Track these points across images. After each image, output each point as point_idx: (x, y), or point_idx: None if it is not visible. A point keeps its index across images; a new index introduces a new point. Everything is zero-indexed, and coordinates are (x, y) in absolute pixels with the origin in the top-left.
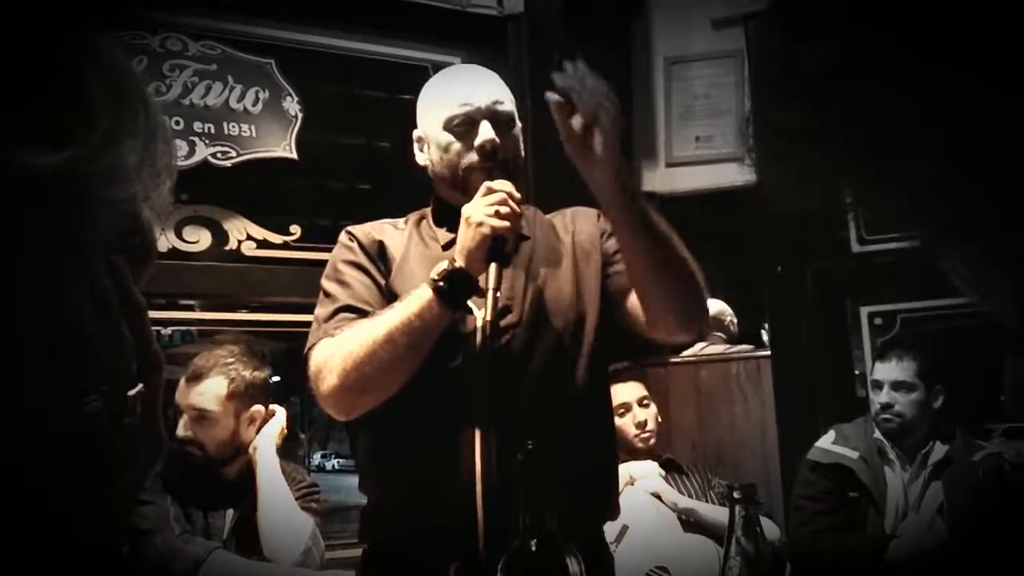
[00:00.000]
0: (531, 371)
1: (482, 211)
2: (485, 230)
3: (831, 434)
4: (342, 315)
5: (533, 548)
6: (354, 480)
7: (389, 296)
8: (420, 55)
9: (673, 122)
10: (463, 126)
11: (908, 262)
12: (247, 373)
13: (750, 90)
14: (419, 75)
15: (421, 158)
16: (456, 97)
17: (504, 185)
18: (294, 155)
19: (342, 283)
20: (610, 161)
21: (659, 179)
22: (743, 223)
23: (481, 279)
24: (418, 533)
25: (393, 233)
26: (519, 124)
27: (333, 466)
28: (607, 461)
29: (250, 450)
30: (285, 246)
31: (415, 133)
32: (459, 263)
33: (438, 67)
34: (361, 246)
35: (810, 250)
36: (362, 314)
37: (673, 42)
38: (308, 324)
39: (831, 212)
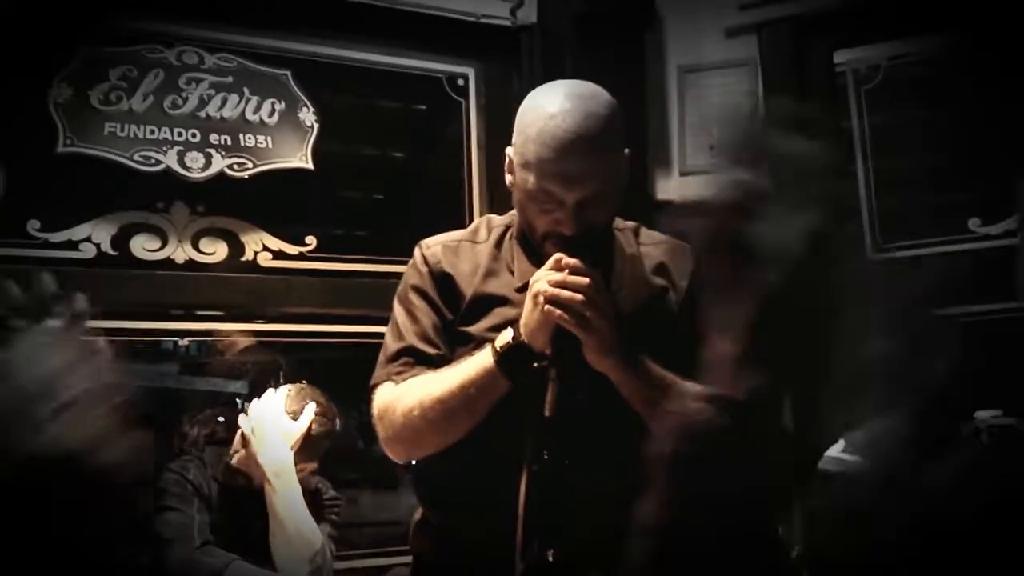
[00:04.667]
0: (581, 409)
1: (546, 290)
2: (551, 316)
3: (840, 443)
4: (406, 359)
5: (550, 558)
6: (370, 495)
7: (455, 335)
8: (434, 66)
9: (687, 131)
10: (548, 204)
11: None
12: (315, 432)
13: (765, 100)
14: (433, 86)
15: (508, 178)
16: (549, 180)
17: (573, 263)
18: (310, 165)
19: (411, 315)
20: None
21: (673, 188)
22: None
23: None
24: (461, 552)
25: (469, 254)
26: (622, 177)
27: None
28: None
29: (258, 464)
30: (301, 257)
31: (508, 150)
32: (522, 337)
33: (452, 78)
34: (431, 273)
35: None
36: (426, 359)
37: (686, 51)
38: (324, 335)
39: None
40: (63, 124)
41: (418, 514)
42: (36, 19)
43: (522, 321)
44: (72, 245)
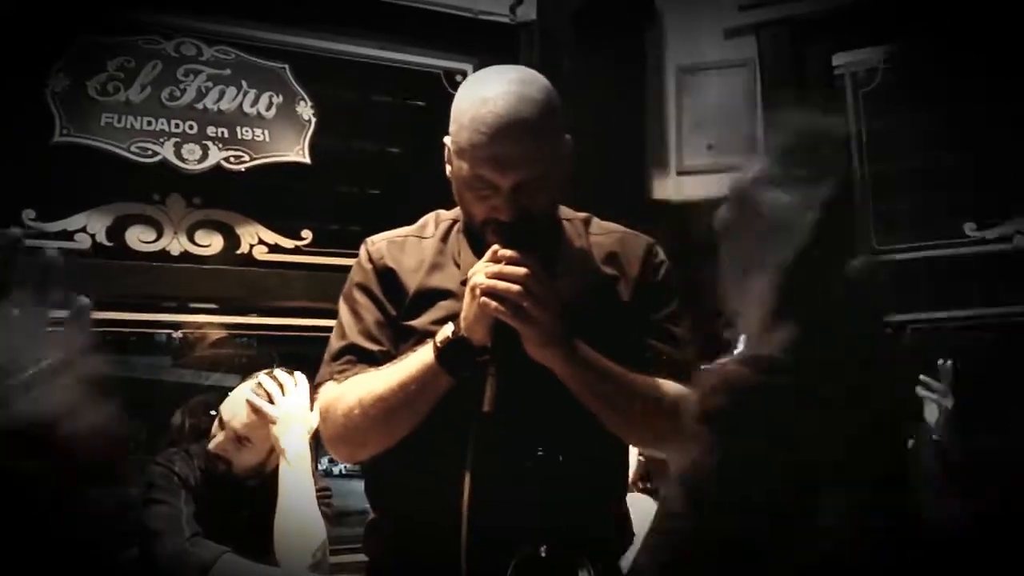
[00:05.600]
0: (534, 396)
1: (482, 283)
2: (486, 308)
3: None
4: (348, 357)
5: (543, 553)
6: (358, 484)
7: (399, 331)
8: (432, 61)
9: (684, 130)
10: (486, 189)
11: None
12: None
13: (762, 100)
14: (431, 81)
15: (448, 168)
16: (481, 167)
17: (509, 254)
18: (307, 160)
19: (355, 313)
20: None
21: (670, 187)
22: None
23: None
24: (410, 556)
25: (415, 249)
26: (558, 163)
27: (340, 471)
28: (615, 480)
29: (279, 447)
30: (296, 251)
31: (446, 139)
32: (462, 331)
33: (450, 73)
34: (375, 269)
35: None
36: (368, 357)
37: (685, 51)
38: (318, 328)
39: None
40: (60, 114)
41: (370, 515)
42: (34, 8)
43: (462, 315)
44: (67, 235)
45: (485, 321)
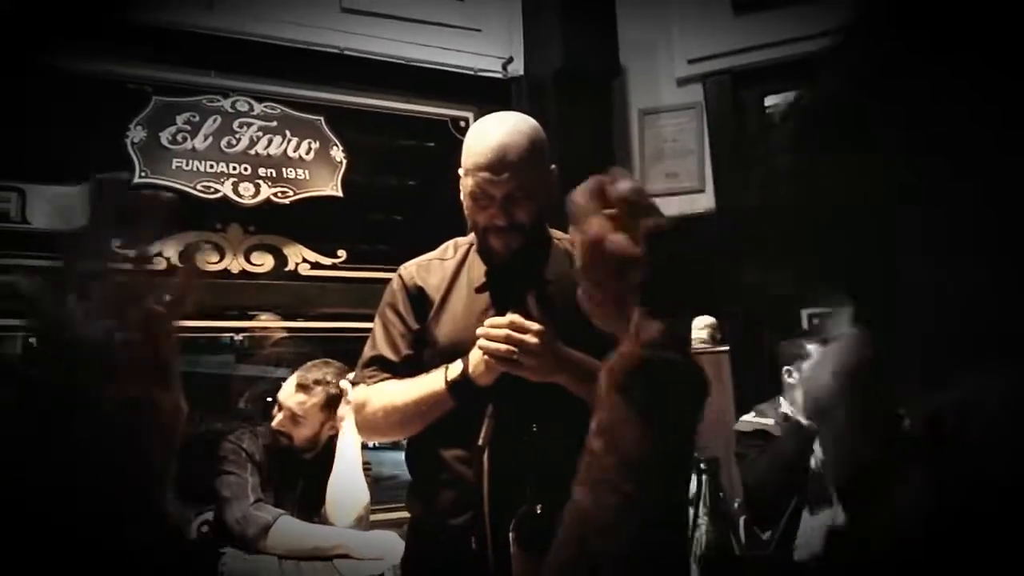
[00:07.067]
0: (532, 390)
1: (488, 346)
2: (490, 365)
3: (752, 412)
4: (375, 366)
5: (538, 511)
6: (392, 455)
7: (422, 337)
8: (440, 111)
9: (647, 162)
10: (483, 200)
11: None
12: (338, 391)
13: (709, 136)
14: (440, 127)
15: (462, 192)
16: (481, 175)
17: (510, 320)
18: (340, 193)
19: (385, 328)
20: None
21: None
22: (705, 244)
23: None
24: (443, 510)
25: (439, 269)
26: (544, 183)
27: (374, 444)
28: None
29: (338, 424)
30: (333, 267)
31: (460, 170)
32: (470, 373)
33: (455, 120)
34: (405, 289)
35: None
36: (391, 367)
37: (645, 96)
38: (352, 329)
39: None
40: (139, 159)
41: (411, 481)
42: (119, 76)
43: (471, 361)
44: (146, 259)
45: (490, 374)
